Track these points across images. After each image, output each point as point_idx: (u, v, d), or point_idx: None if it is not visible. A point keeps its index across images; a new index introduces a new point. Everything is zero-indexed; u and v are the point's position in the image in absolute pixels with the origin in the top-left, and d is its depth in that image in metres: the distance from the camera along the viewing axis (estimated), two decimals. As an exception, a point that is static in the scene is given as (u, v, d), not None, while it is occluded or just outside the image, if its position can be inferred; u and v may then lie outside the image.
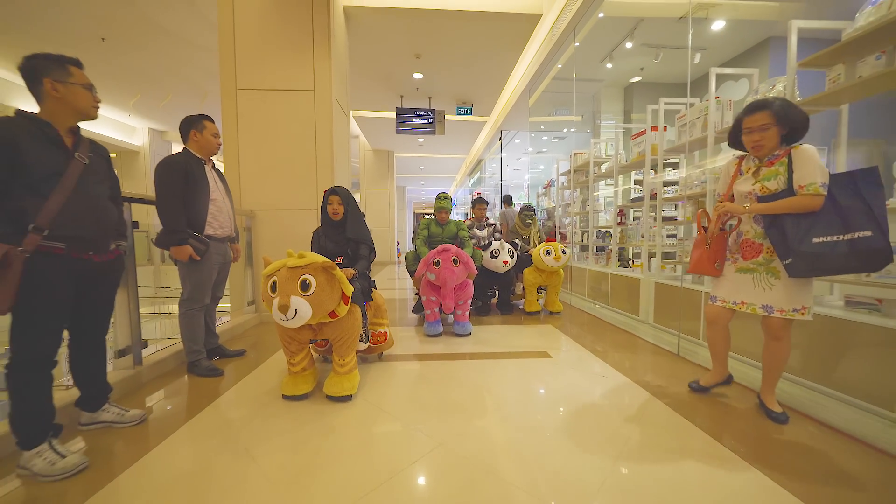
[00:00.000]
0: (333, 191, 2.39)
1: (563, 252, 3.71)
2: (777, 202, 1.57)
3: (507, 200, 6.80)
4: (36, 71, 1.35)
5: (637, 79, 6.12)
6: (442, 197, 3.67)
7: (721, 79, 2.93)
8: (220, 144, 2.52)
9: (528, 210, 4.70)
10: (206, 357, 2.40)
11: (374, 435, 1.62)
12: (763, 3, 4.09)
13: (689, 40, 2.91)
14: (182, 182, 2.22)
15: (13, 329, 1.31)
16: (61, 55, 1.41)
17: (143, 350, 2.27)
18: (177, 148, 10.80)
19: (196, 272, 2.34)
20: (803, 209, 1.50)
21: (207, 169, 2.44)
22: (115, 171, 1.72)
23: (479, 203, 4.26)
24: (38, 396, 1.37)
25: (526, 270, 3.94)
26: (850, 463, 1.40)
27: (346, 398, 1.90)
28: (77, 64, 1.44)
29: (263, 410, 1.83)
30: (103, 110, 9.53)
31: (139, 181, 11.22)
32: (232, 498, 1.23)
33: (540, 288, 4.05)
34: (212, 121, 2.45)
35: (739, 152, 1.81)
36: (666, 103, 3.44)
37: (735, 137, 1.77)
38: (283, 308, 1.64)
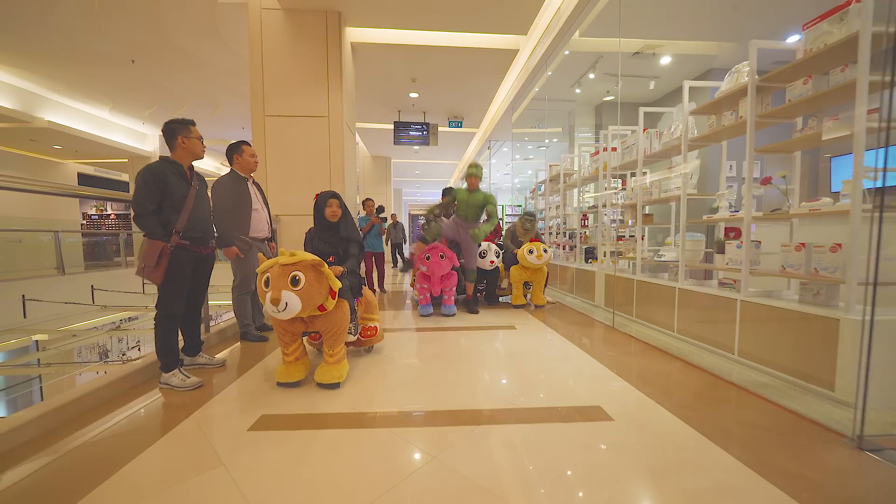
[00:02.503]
0: (333, 195, 2.54)
1: (545, 251, 4.13)
2: None
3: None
4: (174, 131, 2.12)
5: (610, 98, 6.94)
6: (473, 164, 3.92)
7: (650, 115, 3.72)
8: (256, 162, 3.19)
9: (528, 216, 4.68)
10: (254, 328, 3.16)
11: (387, 371, 2.40)
12: (700, 42, 4.92)
13: (618, 81, 3.70)
14: (231, 198, 2.96)
15: (160, 295, 2.08)
16: (185, 119, 2.18)
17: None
18: None
19: (243, 266, 3.09)
20: None
21: (249, 184, 3.18)
22: (127, 175, 2.44)
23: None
24: (173, 338, 2.14)
25: (512, 268, 4.35)
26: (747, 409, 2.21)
27: (335, 385, 2.08)
28: (194, 123, 2.20)
29: (306, 359, 2.60)
30: (118, 119, 10.25)
31: (150, 185, 11.89)
32: (300, 396, 2.01)
33: (526, 283, 4.46)
34: (249, 145, 3.17)
35: None
36: (613, 130, 4.25)
37: None
38: (275, 301, 1.79)
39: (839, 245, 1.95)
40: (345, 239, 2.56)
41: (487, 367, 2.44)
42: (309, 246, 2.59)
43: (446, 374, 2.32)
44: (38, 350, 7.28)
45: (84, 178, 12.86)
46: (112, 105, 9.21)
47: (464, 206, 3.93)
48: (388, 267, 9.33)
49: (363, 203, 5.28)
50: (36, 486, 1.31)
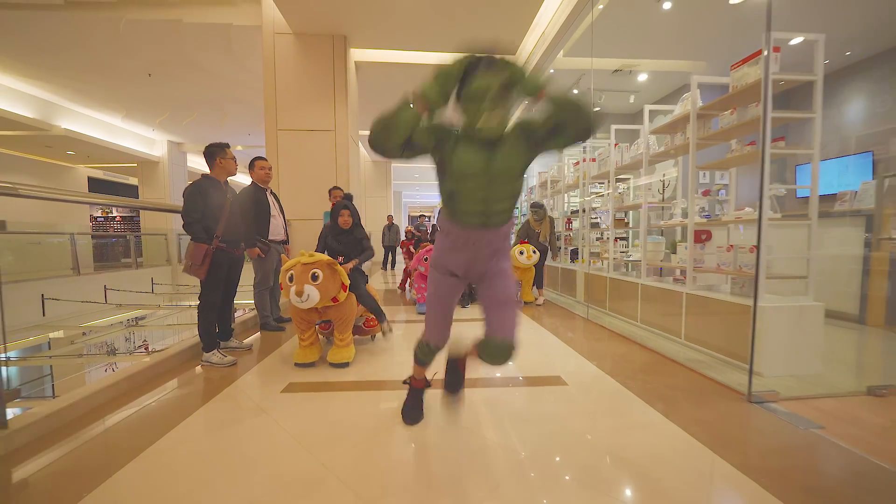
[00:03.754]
0: (345, 205, 2.89)
1: (534, 252, 4.51)
2: None
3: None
4: (213, 154, 2.58)
5: (596, 109, 7.41)
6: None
7: (620, 132, 4.18)
8: (268, 173, 3.60)
9: (536, 206, 4.77)
10: (272, 319, 3.62)
11: (387, 353, 2.85)
12: (672, 61, 5.40)
13: (591, 97, 4.16)
14: (253, 207, 3.41)
15: (203, 289, 2.54)
16: (222, 143, 2.63)
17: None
18: (191, 158, 12.10)
19: (262, 265, 3.54)
20: None
21: (268, 194, 3.63)
22: (136, 179, 2.90)
23: None
24: (213, 323, 2.59)
25: None
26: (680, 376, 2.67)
27: (345, 364, 2.48)
28: (228, 146, 2.66)
29: (319, 344, 3.06)
30: (130, 126, 10.71)
31: (158, 188, 12.33)
32: (316, 373, 2.46)
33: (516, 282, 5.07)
34: (263, 159, 3.60)
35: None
36: (591, 142, 4.72)
37: None
38: (299, 293, 2.16)
39: (755, 247, 2.41)
40: (357, 240, 2.92)
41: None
42: (322, 243, 2.91)
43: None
44: (49, 348, 7.69)
45: (94, 182, 13.31)
46: (125, 113, 9.67)
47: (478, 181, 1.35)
48: (377, 274, 9.70)
49: (329, 192, 4.46)
50: (126, 428, 1.76)
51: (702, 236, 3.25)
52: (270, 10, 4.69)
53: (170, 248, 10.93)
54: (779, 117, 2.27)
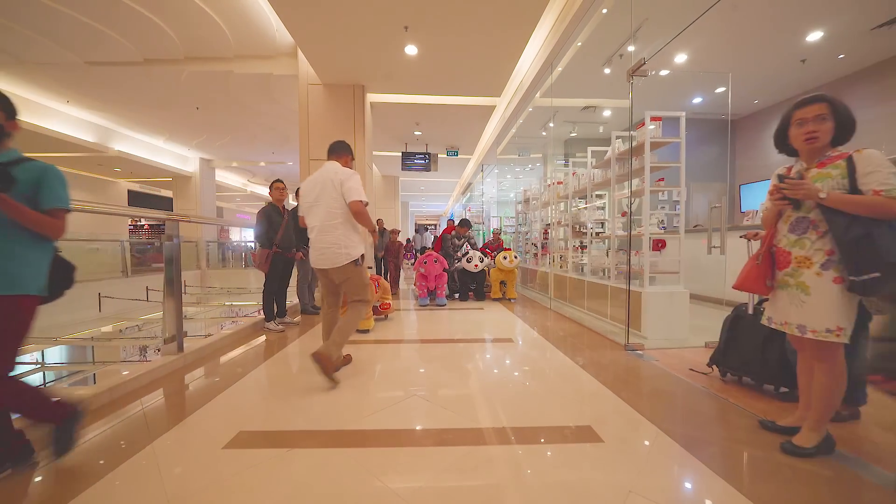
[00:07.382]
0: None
1: (516, 257, 5.80)
2: (858, 197, 1.38)
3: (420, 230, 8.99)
4: (271, 187, 3.77)
5: (573, 134, 8.57)
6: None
7: (577, 163, 5.30)
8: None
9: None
10: (310, 306, 4.79)
11: (397, 325, 3.99)
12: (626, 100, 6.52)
13: (549, 132, 5.29)
14: (298, 223, 4.61)
15: (266, 280, 3.72)
16: (278, 179, 3.82)
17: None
18: (219, 173, 13.69)
19: (304, 265, 4.72)
20: (884, 214, 1.34)
21: (305, 211, 4.82)
22: (171, 192, 4.14)
23: (461, 225, 6.44)
24: (271, 302, 3.77)
25: (492, 270, 6.02)
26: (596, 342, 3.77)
27: (366, 331, 3.71)
28: (280, 181, 3.85)
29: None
30: (167, 145, 12.12)
31: (190, 200, 13.71)
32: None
33: (502, 282, 6.08)
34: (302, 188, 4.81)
35: (782, 168, 1.64)
36: (561, 167, 5.85)
37: (782, 137, 1.60)
38: None
39: (633, 251, 3.51)
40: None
41: (456, 324, 4.03)
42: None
43: (432, 326, 3.91)
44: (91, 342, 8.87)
45: (132, 195, 14.79)
46: (168, 136, 11.08)
47: None
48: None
49: None
50: (245, 357, 2.92)
51: (658, 244, 4.34)
52: (305, 66, 5.94)
53: (199, 254, 12.23)
54: (656, 165, 3.40)
